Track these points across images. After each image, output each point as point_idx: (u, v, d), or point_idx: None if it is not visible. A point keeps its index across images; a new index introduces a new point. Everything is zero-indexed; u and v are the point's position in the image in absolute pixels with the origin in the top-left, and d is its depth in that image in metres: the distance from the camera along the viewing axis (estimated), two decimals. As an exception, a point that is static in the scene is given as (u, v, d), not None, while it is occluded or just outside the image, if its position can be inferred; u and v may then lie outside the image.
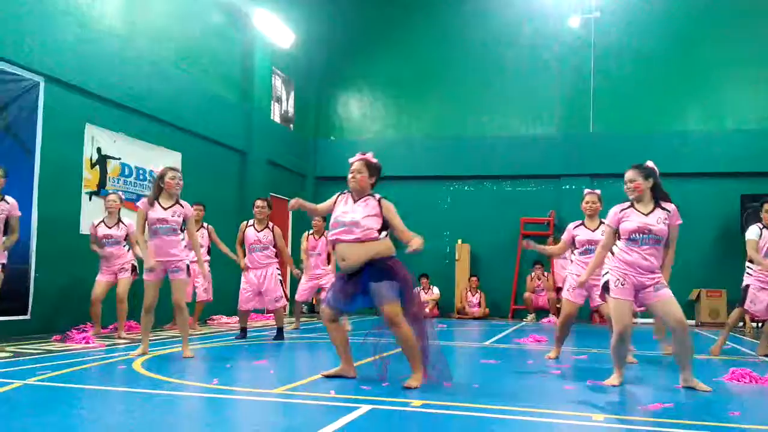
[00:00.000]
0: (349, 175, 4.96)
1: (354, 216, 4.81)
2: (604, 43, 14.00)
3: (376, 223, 4.81)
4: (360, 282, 4.81)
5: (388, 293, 4.71)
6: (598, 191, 6.65)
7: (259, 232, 7.92)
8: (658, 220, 4.88)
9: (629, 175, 5.01)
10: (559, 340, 6.76)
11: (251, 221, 8.02)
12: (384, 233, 4.86)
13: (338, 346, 5.07)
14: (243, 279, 7.99)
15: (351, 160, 5.03)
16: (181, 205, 6.19)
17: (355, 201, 4.94)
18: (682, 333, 4.80)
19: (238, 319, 8.47)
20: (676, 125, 13.67)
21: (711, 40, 13.54)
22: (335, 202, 5.04)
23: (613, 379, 5.04)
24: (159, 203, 6.11)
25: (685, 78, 13.65)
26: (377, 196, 4.99)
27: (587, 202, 6.57)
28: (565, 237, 6.64)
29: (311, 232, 9.50)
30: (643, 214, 4.92)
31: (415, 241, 4.67)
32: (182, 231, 6.26)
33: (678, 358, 4.96)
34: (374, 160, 5.01)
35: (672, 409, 4.16)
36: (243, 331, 8.11)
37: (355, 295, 4.86)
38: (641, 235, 4.86)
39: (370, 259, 4.76)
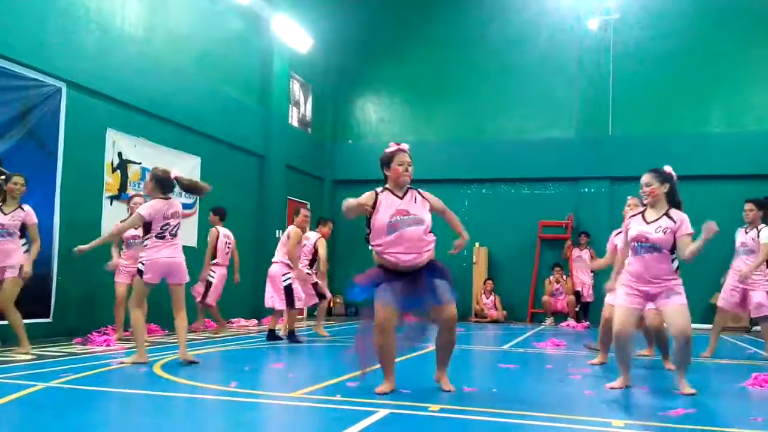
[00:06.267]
0: (401, 168, 4.79)
1: (416, 211, 4.72)
2: (623, 45, 13.88)
3: (430, 218, 4.78)
4: (415, 281, 4.62)
5: (450, 294, 4.73)
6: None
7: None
8: (658, 228, 4.79)
9: (645, 179, 4.95)
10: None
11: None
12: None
13: (389, 358, 4.58)
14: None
15: (394, 149, 4.88)
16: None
17: (401, 197, 4.80)
18: (683, 343, 4.71)
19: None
20: (696, 127, 13.49)
21: (732, 40, 13.36)
22: (377, 201, 4.70)
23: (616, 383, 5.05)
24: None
25: (705, 79, 13.49)
26: (416, 189, 4.92)
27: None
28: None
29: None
30: (646, 222, 4.87)
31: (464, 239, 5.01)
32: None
33: (675, 366, 4.98)
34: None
35: (694, 414, 4.11)
36: (271, 333, 8.24)
37: (409, 296, 4.59)
38: (638, 244, 4.82)
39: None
